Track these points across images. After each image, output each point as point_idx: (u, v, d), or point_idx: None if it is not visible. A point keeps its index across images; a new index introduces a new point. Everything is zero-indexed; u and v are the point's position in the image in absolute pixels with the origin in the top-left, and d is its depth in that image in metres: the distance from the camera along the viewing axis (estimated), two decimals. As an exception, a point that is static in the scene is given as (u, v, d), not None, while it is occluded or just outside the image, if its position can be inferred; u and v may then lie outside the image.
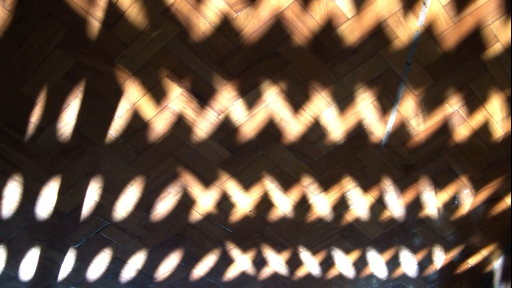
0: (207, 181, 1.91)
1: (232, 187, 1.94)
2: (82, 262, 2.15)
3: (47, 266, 2.14)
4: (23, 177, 1.82)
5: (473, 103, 1.80)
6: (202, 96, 1.68)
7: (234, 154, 1.84)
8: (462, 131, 1.87)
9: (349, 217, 2.11)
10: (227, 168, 1.87)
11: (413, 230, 2.22)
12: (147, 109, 1.69)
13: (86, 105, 1.67)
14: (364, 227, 2.17)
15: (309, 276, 2.36)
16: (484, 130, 1.88)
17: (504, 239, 2.35)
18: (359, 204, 2.07)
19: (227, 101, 1.70)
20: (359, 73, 1.67)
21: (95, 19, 1.49)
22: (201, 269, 2.25)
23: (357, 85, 1.70)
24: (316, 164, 1.91)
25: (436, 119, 1.82)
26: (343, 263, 2.33)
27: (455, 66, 1.69)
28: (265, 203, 2.02)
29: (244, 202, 2.00)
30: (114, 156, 1.80)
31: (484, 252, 2.40)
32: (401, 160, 1.93)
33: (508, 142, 1.93)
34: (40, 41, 1.51)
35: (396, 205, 2.10)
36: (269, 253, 2.23)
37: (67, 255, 2.12)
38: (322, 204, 2.05)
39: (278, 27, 1.54)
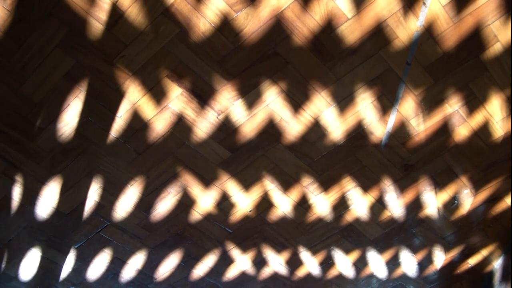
0: (207, 181, 1.91)
1: (232, 187, 1.94)
2: (82, 262, 2.15)
3: (47, 266, 2.14)
4: (23, 177, 1.82)
5: (473, 103, 1.80)
6: (202, 96, 1.68)
7: (234, 154, 1.84)
8: (462, 131, 1.87)
9: (349, 217, 2.11)
10: (227, 168, 1.87)
11: (413, 230, 2.22)
12: (147, 109, 1.69)
13: (86, 105, 1.67)
14: (364, 227, 2.17)
15: (309, 276, 2.36)
16: (484, 130, 1.88)
17: (504, 239, 2.35)
18: (359, 204, 2.07)
19: (227, 101, 1.70)
20: (359, 73, 1.67)
21: (95, 19, 1.49)
22: (201, 269, 2.25)
23: (357, 85, 1.70)
24: (316, 164, 1.91)
25: (436, 119, 1.82)
26: (343, 263, 2.33)
27: (455, 66, 1.69)
28: (265, 203, 2.02)
29: (244, 202, 2.00)
30: (114, 156, 1.80)
31: (484, 252, 2.40)
32: (401, 160, 1.93)
33: (508, 142, 1.93)
34: (40, 41, 1.51)
35: (396, 205, 2.10)
36: (269, 253, 2.23)
37: (67, 255, 2.12)
38: (322, 204, 2.05)
39: (278, 27, 1.54)
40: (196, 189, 1.93)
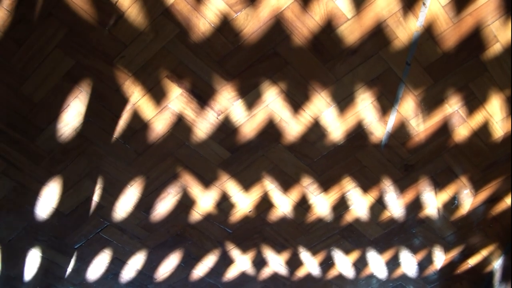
0: (207, 181, 1.91)
1: (232, 187, 1.94)
2: (82, 263, 2.15)
3: (47, 267, 2.14)
4: (23, 177, 1.82)
5: (473, 103, 1.80)
6: (202, 96, 1.68)
7: (234, 155, 1.84)
8: (462, 131, 1.87)
9: (349, 217, 2.11)
10: (227, 168, 1.87)
11: (413, 230, 2.22)
12: (147, 109, 1.69)
13: (86, 106, 1.67)
14: (364, 227, 2.17)
15: (309, 277, 2.36)
16: (484, 130, 1.88)
17: (504, 239, 2.35)
18: (359, 205, 2.07)
19: (227, 102, 1.70)
20: (359, 73, 1.67)
21: (95, 20, 1.49)
22: (201, 270, 2.25)
23: (357, 86, 1.70)
24: (316, 165, 1.91)
25: (436, 119, 1.82)
26: (343, 264, 2.33)
27: (455, 66, 1.69)
28: (265, 204, 2.02)
29: (244, 202, 2.00)
30: (114, 157, 1.80)
31: (484, 252, 2.40)
32: (401, 160, 1.93)
33: (508, 142, 1.93)
34: (40, 41, 1.51)
35: (396, 206, 2.10)
36: (269, 254, 2.22)
37: (67, 256, 2.12)
38: (322, 205, 2.05)
39: (278, 28, 1.54)
40: (196, 190, 1.93)
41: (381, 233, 2.21)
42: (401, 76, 1.70)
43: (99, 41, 1.53)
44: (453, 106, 1.80)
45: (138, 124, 1.73)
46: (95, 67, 1.58)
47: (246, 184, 1.93)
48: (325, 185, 1.98)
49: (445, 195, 2.09)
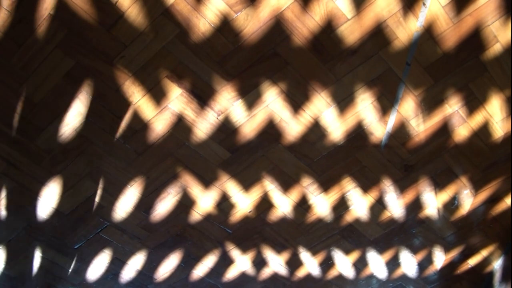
0: (207, 181, 1.91)
1: (232, 187, 1.94)
2: (82, 263, 2.15)
3: (47, 267, 2.14)
4: (23, 178, 1.82)
5: (473, 104, 1.80)
6: (202, 96, 1.68)
7: (234, 155, 1.84)
8: (462, 131, 1.87)
9: (349, 217, 2.11)
10: (227, 168, 1.87)
11: (413, 231, 2.22)
12: (147, 109, 1.69)
13: (86, 106, 1.67)
14: (364, 227, 2.16)
15: (309, 277, 2.36)
16: (484, 130, 1.88)
17: (504, 240, 2.35)
18: (359, 205, 2.07)
19: (227, 102, 1.70)
20: (359, 73, 1.67)
21: (95, 20, 1.49)
22: (201, 270, 2.25)
23: (357, 86, 1.70)
24: (316, 165, 1.91)
25: (436, 119, 1.82)
26: (343, 264, 2.33)
27: (455, 66, 1.69)
28: (265, 204, 2.02)
29: (244, 202, 2.00)
30: (114, 157, 1.80)
31: (484, 253, 2.40)
32: (401, 160, 1.93)
33: (508, 143, 1.93)
34: (40, 41, 1.51)
35: (396, 206, 2.10)
36: (269, 254, 2.22)
37: (67, 256, 2.12)
38: (322, 205, 2.05)
39: (278, 28, 1.54)
40: (196, 190, 1.93)
41: (381, 233, 2.21)
42: (401, 76, 1.70)
43: (99, 41, 1.53)
44: (453, 106, 1.79)
45: (138, 124, 1.73)
46: (95, 67, 1.58)
47: (246, 184, 1.93)
48: (325, 185, 1.98)
49: (445, 195, 2.09)
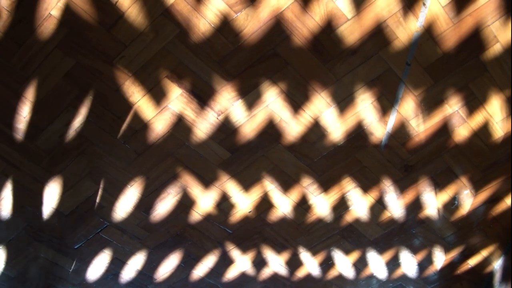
0: (207, 181, 1.91)
1: (232, 187, 1.94)
2: (82, 263, 2.15)
3: (47, 267, 2.14)
4: (23, 177, 1.82)
5: (473, 104, 1.80)
6: (202, 96, 1.68)
7: (234, 155, 1.84)
8: (462, 131, 1.87)
9: (349, 217, 2.11)
10: (227, 168, 1.87)
11: (413, 231, 2.22)
12: (147, 109, 1.69)
13: (86, 106, 1.67)
14: (364, 227, 2.16)
15: (309, 277, 2.36)
16: (484, 130, 1.88)
17: (504, 240, 2.35)
18: (359, 205, 2.07)
19: (227, 102, 1.70)
20: (359, 73, 1.67)
21: (95, 20, 1.49)
22: (201, 270, 2.25)
23: (357, 86, 1.70)
24: (316, 165, 1.91)
25: (436, 119, 1.82)
26: (343, 264, 2.33)
27: (455, 66, 1.69)
28: (265, 204, 2.02)
29: (244, 202, 2.00)
30: (114, 157, 1.80)
31: (484, 253, 2.40)
32: (401, 160, 1.93)
33: (508, 143, 1.93)
34: (40, 41, 1.51)
35: (396, 206, 2.10)
36: (269, 254, 2.22)
37: (67, 256, 2.12)
38: (322, 205, 2.05)
39: (278, 28, 1.54)
40: (196, 190, 1.93)
41: (381, 234, 2.21)
42: (401, 76, 1.70)
43: (99, 41, 1.53)
44: (453, 107, 1.79)
45: (138, 124, 1.73)
46: (95, 67, 1.58)
47: (246, 184, 1.93)
48: (325, 185, 1.98)
49: (445, 196, 2.08)
